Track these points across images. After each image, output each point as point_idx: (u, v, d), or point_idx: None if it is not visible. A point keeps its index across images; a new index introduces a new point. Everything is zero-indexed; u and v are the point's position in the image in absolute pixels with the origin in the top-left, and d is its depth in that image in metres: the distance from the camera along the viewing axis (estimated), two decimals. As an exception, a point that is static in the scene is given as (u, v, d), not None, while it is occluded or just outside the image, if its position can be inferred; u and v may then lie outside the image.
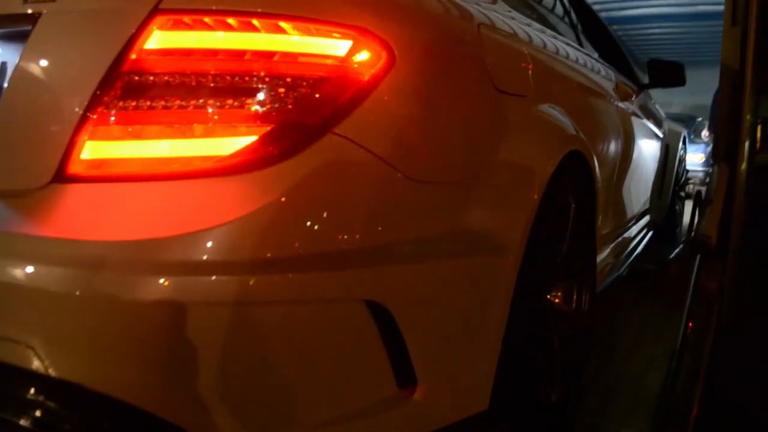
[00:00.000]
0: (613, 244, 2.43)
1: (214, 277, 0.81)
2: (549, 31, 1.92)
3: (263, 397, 0.87)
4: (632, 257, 2.94)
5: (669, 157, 4.14)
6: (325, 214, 0.89)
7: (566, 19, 2.41)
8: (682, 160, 4.68)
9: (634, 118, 2.77)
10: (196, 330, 0.80)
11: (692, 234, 2.43)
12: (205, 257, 0.81)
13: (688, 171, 5.32)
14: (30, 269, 0.84)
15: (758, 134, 2.70)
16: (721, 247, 2.35)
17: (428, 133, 1.07)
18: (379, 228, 0.95)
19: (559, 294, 1.58)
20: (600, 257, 2.05)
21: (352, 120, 0.93)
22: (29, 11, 0.96)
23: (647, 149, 3.16)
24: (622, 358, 2.27)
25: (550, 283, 1.51)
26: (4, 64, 1.05)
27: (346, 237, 0.91)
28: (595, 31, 2.88)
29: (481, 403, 1.20)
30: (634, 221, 3.05)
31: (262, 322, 0.85)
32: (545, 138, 1.45)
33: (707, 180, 4.43)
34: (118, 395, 0.80)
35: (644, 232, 3.47)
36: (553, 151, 1.42)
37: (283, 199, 0.86)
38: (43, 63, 0.95)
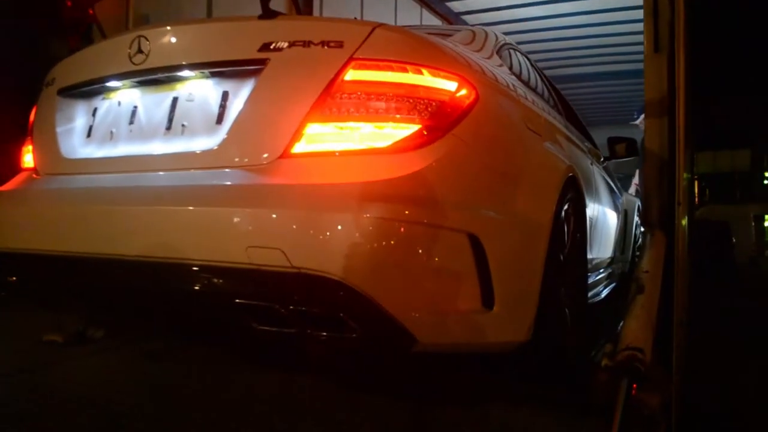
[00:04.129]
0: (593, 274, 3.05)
1: (389, 204, 1.38)
2: (541, 98, 2.63)
3: (408, 280, 1.42)
4: (602, 292, 3.55)
5: (627, 221, 4.89)
6: (448, 177, 1.49)
7: (547, 94, 3.13)
8: (638, 226, 5.44)
9: (601, 178, 3.48)
10: (379, 232, 1.36)
11: (614, 349, 1.66)
12: (384, 194, 1.39)
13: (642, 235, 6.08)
14: (276, 201, 1.40)
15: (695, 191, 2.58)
16: (662, 343, 1.86)
17: (496, 140, 1.71)
18: (475, 189, 1.57)
19: (567, 278, 2.16)
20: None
21: (460, 127, 1.56)
22: (261, 57, 1.56)
23: (611, 207, 3.85)
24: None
25: (562, 264, 2.10)
26: (225, 92, 1.64)
27: (459, 191, 1.51)
28: (566, 107, 3.63)
29: (526, 334, 1.75)
30: (604, 266, 3.69)
31: (413, 233, 1.41)
32: (555, 162, 2.10)
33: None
34: (338, 276, 1.34)
35: (609, 280, 4.12)
36: (562, 170, 2.07)
37: (427, 167, 1.45)
38: (274, 89, 1.55)
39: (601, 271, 3.62)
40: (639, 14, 2.60)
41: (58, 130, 1.95)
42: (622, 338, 1.64)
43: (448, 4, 8.34)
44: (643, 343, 1.60)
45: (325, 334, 1.42)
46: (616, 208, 4.07)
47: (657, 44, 2.40)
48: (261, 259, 1.38)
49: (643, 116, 6.89)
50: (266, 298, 1.41)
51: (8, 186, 2.05)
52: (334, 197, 1.39)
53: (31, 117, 2.13)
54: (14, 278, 1.88)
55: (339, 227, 1.36)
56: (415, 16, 8.08)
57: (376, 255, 1.36)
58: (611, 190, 3.90)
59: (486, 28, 2.69)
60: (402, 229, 1.39)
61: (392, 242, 1.38)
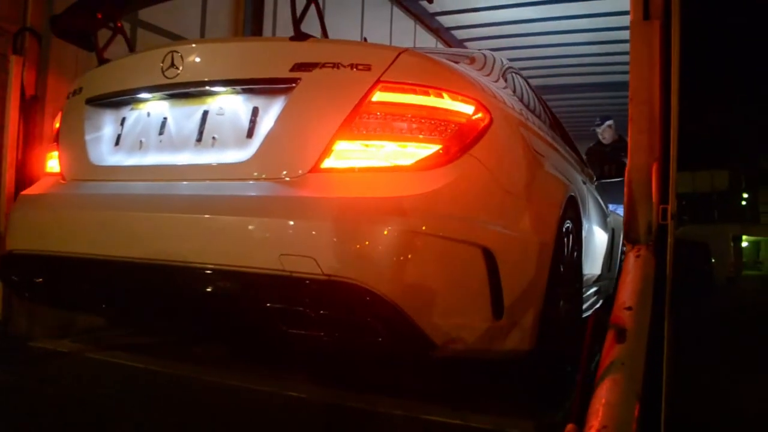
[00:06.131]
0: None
1: (411, 219, 1.49)
2: (540, 119, 2.76)
3: (428, 289, 1.53)
4: (594, 307, 3.68)
5: (615, 240, 5.05)
6: (466, 194, 1.61)
7: (544, 115, 3.28)
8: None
9: (592, 197, 3.63)
10: (402, 244, 1.47)
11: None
12: (406, 209, 1.50)
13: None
14: (309, 213, 1.50)
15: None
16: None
17: (507, 160, 1.83)
18: (489, 206, 1.68)
19: (565, 291, 2.29)
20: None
21: (476, 148, 1.67)
22: (293, 77, 1.67)
23: (600, 225, 4.00)
24: None
25: (562, 279, 2.22)
26: (256, 108, 1.74)
27: (475, 207, 1.63)
28: (559, 126, 3.78)
29: (530, 343, 1.86)
30: (593, 281, 3.83)
31: (432, 245, 1.52)
32: (557, 182, 2.23)
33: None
34: (365, 283, 1.44)
35: (597, 296, 4.27)
36: (563, 190, 2.19)
37: (447, 184, 1.57)
38: (305, 107, 1.65)
39: (592, 287, 3.76)
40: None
41: (87, 138, 2.03)
42: (590, 416, 1.16)
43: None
44: (620, 426, 1.13)
45: (352, 337, 1.52)
46: (605, 226, 4.22)
47: (647, 8, 1.78)
48: (293, 266, 1.48)
49: (608, 123, 6.65)
50: (298, 303, 1.50)
51: (33, 190, 2.12)
52: (361, 211, 1.49)
53: (56, 124, 2.21)
54: (41, 280, 1.95)
55: (365, 238, 1.47)
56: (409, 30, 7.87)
57: (398, 264, 1.47)
58: (601, 209, 4.05)
59: (492, 53, 2.82)
60: (423, 242, 1.50)
61: (413, 253, 1.49)
